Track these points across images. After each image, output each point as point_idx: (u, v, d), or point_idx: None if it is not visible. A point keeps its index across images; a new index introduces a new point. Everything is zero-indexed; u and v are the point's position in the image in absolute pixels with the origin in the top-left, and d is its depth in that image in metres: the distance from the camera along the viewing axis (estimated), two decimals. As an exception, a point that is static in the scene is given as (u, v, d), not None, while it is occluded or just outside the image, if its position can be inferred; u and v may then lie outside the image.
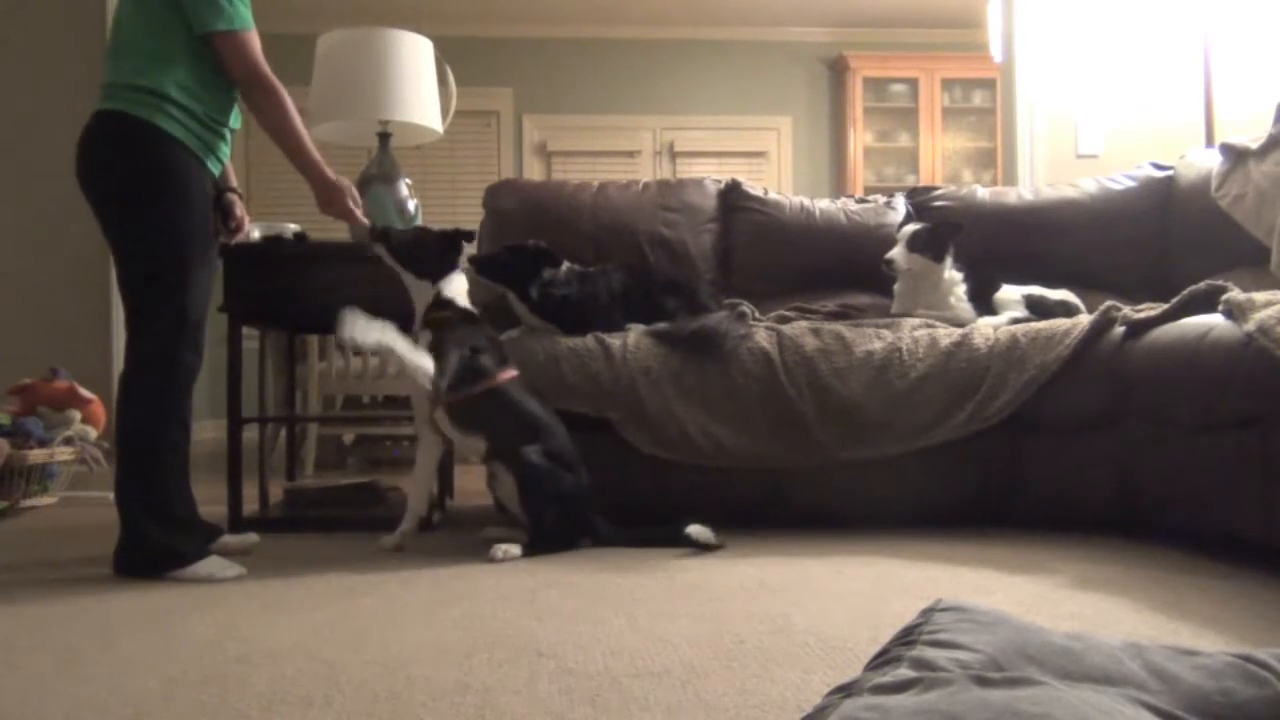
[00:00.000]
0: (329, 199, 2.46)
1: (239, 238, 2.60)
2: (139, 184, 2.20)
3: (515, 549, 2.35)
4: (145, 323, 2.24)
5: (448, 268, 2.60)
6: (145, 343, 2.24)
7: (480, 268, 2.86)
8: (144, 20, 2.22)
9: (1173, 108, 4.38)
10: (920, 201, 3.51)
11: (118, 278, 2.29)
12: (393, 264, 2.58)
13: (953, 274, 3.07)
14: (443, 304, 2.57)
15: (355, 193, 2.51)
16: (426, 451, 2.63)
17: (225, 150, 2.38)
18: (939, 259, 3.04)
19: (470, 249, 2.69)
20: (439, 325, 2.53)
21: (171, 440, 2.24)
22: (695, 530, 2.38)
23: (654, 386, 2.67)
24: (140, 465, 2.22)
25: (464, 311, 2.59)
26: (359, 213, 2.53)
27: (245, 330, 2.87)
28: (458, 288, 2.61)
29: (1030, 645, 0.94)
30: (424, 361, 2.41)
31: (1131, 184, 3.43)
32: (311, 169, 2.40)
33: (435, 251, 2.59)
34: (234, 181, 2.55)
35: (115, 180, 2.21)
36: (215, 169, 2.34)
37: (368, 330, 2.32)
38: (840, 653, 1.50)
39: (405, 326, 2.59)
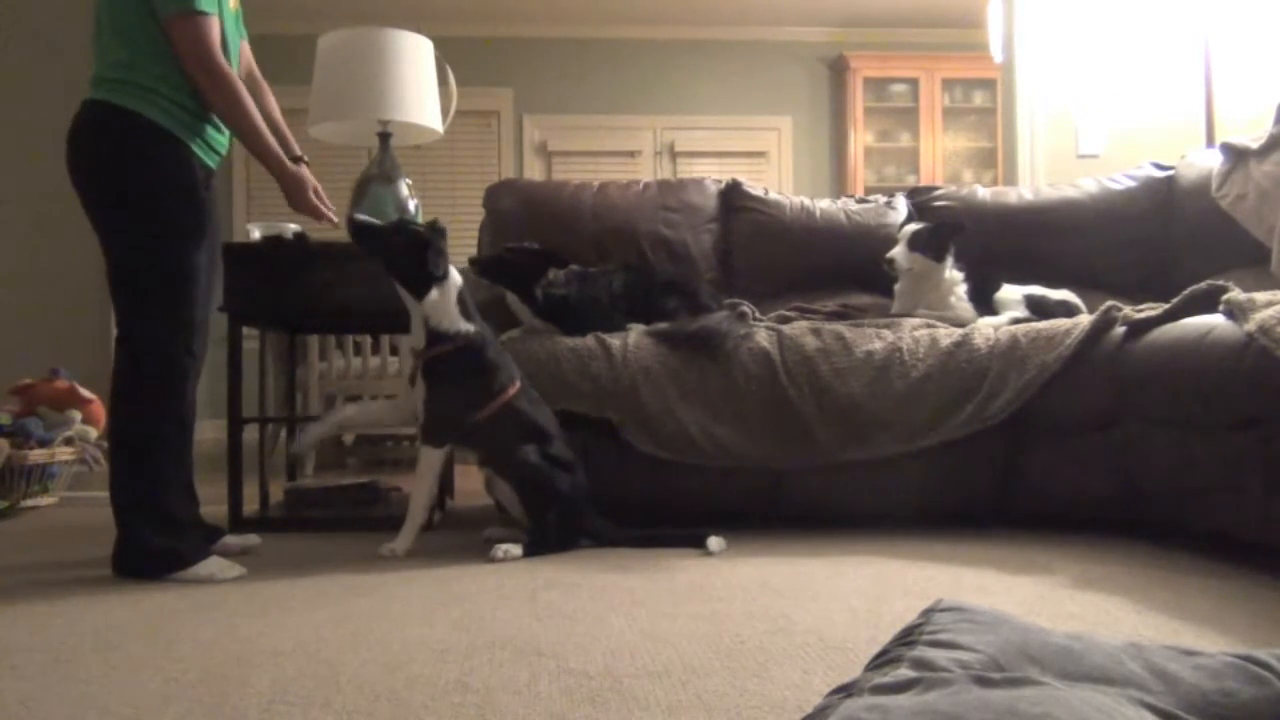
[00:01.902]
0: (292, 194, 2.35)
1: (320, 215, 2.45)
2: (125, 174, 2.16)
3: (516, 549, 2.35)
4: (135, 320, 2.19)
5: (426, 282, 2.40)
6: (135, 341, 2.19)
7: (483, 270, 2.85)
8: (121, 9, 2.18)
9: (1173, 108, 4.39)
10: (921, 201, 3.51)
11: (108, 274, 2.22)
12: (379, 262, 2.44)
13: (953, 274, 3.07)
14: (435, 339, 2.42)
15: (318, 185, 2.40)
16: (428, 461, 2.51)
17: (218, 137, 2.32)
18: (940, 259, 3.04)
19: (451, 254, 2.51)
20: (432, 371, 2.42)
21: (166, 441, 2.21)
22: (714, 542, 2.37)
23: (654, 386, 2.66)
24: (134, 467, 2.19)
25: (463, 339, 2.43)
26: (325, 208, 2.42)
27: (245, 330, 2.86)
28: (445, 305, 2.42)
29: (1031, 645, 0.94)
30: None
31: (1132, 184, 3.43)
32: (270, 160, 2.29)
33: (411, 258, 2.40)
34: (298, 149, 2.44)
35: (101, 171, 2.17)
36: (208, 157, 2.29)
37: (315, 429, 2.42)
38: (840, 653, 1.50)
39: (403, 326, 2.57)
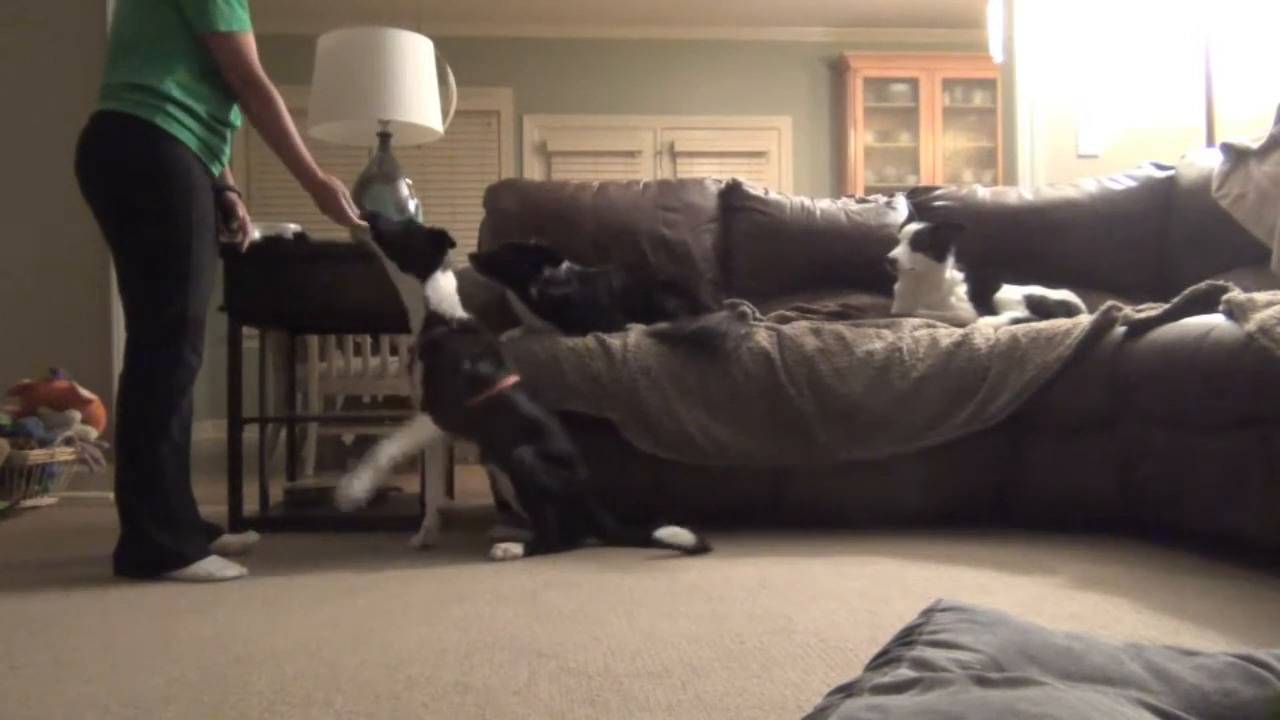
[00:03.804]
0: (324, 201, 2.47)
1: (241, 239, 2.56)
2: (140, 185, 2.20)
3: (516, 548, 2.35)
4: (146, 323, 2.24)
5: (434, 264, 2.55)
6: (145, 343, 2.24)
7: (480, 265, 2.86)
8: (143, 20, 2.23)
9: (1173, 108, 4.39)
10: (921, 201, 3.51)
11: (118, 278, 2.29)
12: (380, 253, 2.55)
13: (954, 274, 3.07)
14: (433, 321, 2.52)
15: (346, 192, 2.51)
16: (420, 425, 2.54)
17: (226, 150, 2.38)
18: (941, 258, 3.04)
19: (453, 252, 2.63)
20: (431, 349, 2.49)
21: (171, 440, 2.24)
22: (668, 534, 2.37)
23: (654, 386, 2.67)
24: (140, 465, 2.21)
25: (458, 324, 2.53)
26: (352, 212, 2.52)
27: (245, 330, 2.86)
28: (446, 291, 2.56)
29: (1031, 645, 0.94)
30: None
31: (1132, 184, 3.42)
32: (304, 173, 2.41)
33: (422, 246, 2.55)
34: (232, 181, 2.54)
35: (117, 182, 2.21)
36: (216, 169, 2.34)
37: (361, 482, 2.34)
38: (840, 653, 1.50)
39: (403, 326, 2.59)
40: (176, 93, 2.20)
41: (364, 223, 2.55)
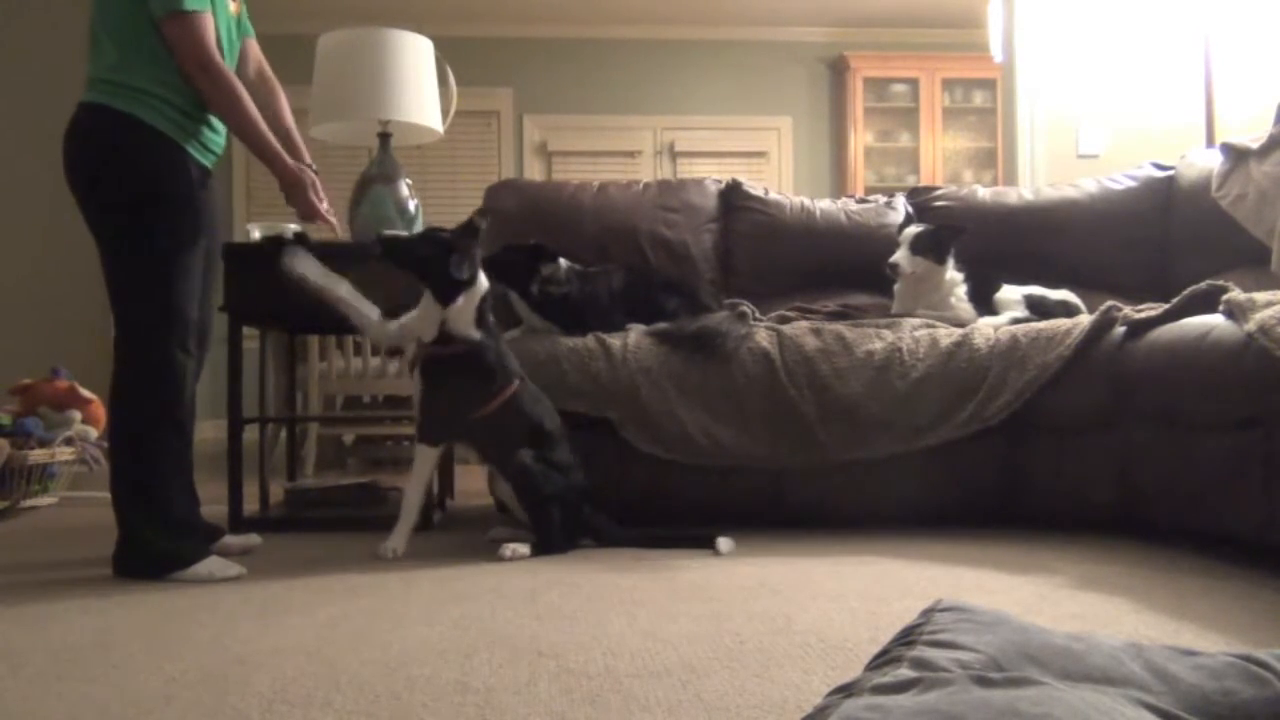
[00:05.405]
0: (289, 191, 2.37)
1: (318, 215, 2.44)
2: (119, 176, 2.17)
3: (524, 548, 2.35)
4: (130, 320, 2.21)
5: (457, 285, 2.39)
6: (131, 341, 2.21)
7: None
8: (113, 11, 2.18)
9: (1173, 108, 4.39)
10: (921, 202, 3.51)
11: (103, 273, 2.24)
12: (409, 274, 2.44)
13: (954, 275, 3.07)
14: (445, 339, 2.41)
15: (318, 184, 2.40)
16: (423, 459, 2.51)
17: (214, 138, 2.32)
18: (941, 261, 3.04)
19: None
20: (432, 371, 2.44)
21: (165, 441, 2.21)
22: (723, 543, 2.36)
23: (654, 386, 2.67)
24: (134, 467, 2.19)
25: (466, 345, 2.41)
26: (324, 207, 2.41)
27: (245, 330, 2.86)
28: (467, 310, 2.42)
29: (1031, 645, 0.94)
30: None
31: (1132, 184, 3.43)
32: (272, 160, 2.31)
33: (441, 266, 2.38)
34: (308, 157, 2.47)
35: (96, 173, 2.18)
36: (204, 158, 2.29)
37: (311, 267, 2.35)
38: (840, 653, 1.50)
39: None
40: (152, 84, 2.16)
41: (333, 219, 2.49)
